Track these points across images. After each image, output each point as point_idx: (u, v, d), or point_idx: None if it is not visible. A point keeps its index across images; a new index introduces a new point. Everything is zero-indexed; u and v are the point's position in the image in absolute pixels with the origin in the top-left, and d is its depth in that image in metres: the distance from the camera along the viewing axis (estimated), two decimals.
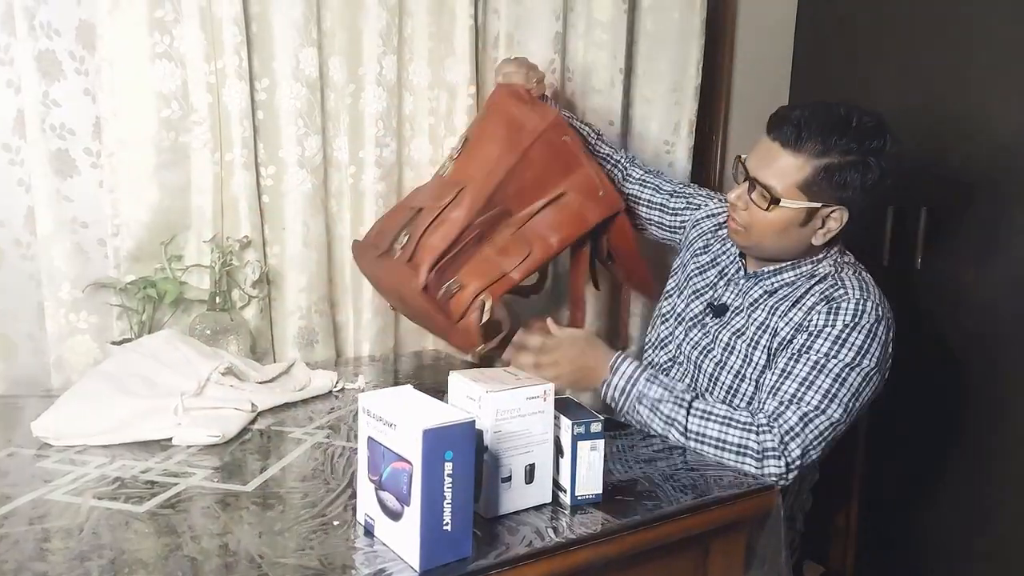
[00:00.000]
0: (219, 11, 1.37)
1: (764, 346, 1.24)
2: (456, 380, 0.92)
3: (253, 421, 1.19)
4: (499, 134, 1.38)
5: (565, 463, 0.92)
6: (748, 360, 1.25)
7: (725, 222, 1.36)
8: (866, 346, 1.15)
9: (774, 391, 1.16)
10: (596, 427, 0.92)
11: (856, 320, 1.16)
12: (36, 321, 1.34)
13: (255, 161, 1.46)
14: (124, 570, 0.76)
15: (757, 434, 1.10)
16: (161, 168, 1.38)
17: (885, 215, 1.84)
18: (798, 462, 1.10)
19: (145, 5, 1.32)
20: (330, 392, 1.35)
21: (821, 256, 1.27)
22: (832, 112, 1.17)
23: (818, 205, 1.18)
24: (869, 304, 1.18)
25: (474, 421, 0.78)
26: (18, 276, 1.32)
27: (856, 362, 1.14)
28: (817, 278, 1.25)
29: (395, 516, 0.79)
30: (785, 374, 1.16)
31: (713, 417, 1.13)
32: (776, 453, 1.09)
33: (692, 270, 1.41)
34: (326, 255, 1.56)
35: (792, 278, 1.27)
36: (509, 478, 0.89)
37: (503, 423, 0.87)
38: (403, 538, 0.78)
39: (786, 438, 1.10)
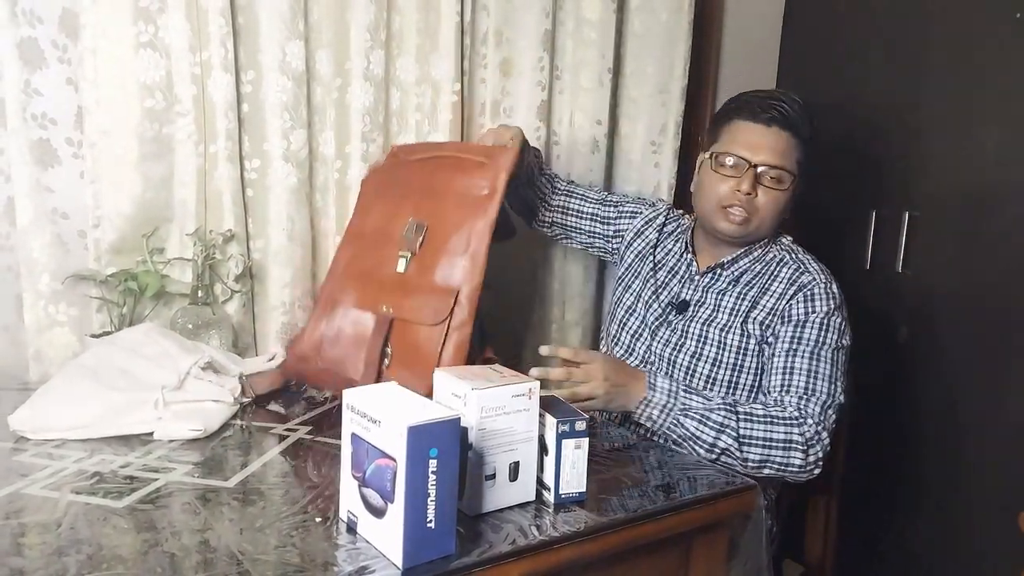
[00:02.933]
0: (205, 1, 1.35)
1: (736, 329, 1.31)
2: (441, 377, 0.91)
3: (235, 416, 1.18)
4: (460, 215, 1.22)
5: (549, 461, 0.92)
6: (723, 346, 1.31)
7: (666, 223, 1.50)
8: (843, 326, 1.27)
9: (787, 387, 1.23)
10: (581, 425, 0.92)
11: (831, 304, 1.27)
12: (14, 313, 1.32)
13: (240, 154, 1.44)
14: (102, 566, 0.75)
15: (798, 427, 1.18)
16: (144, 159, 1.36)
17: (868, 219, 1.85)
18: (828, 447, 1.19)
19: None
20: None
21: (767, 241, 1.37)
22: (794, 97, 1.31)
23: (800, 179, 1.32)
24: (834, 287, 1.29)
25: (459, 418, 0.78)
26: None
27: (839, 343, 1.25)
28: (774, 262, 1.35)
29: (378, 513, 0.78)
30: (790, 370, 1.24)
31: (756, 418, 1.18)
32: (815, 441, 1.18)
33: (646, 274, 1.46)
34: (310, 250, 1.55)
35: (749, 264, 1.35)
36: (493, 476, 0.88)
37: (488, 420, 0.87)
38: (386, 535, 0.78)
39: (819, 428, 1.18)
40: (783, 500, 1.49)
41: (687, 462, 1.11)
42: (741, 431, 1.16)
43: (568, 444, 0.92)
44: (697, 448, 1.17)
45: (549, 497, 0.93)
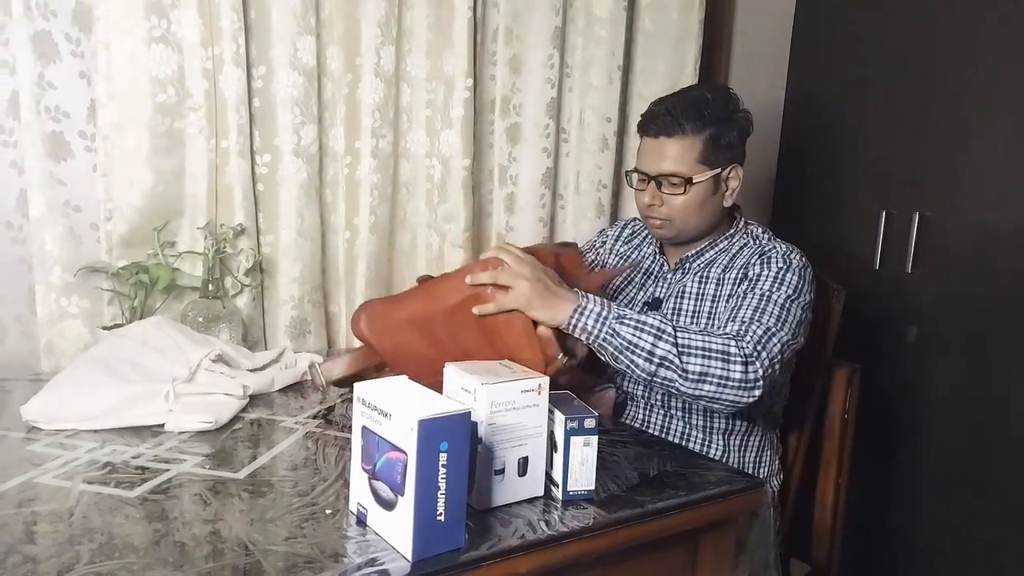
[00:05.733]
0: None
1: (705, 312, 1.34)
2: (451, 372, 0.92)
3: (244, 410, 1.19)
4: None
5: (558, 457, 0.92)
6: None
7: (634, 232, 1.56)
8: (800, 285, 1.28)
9: (732, 319, 1.23)
10: (590, 423, 0.92)
11: (788, 264, 1.29)
12: (26, 304, 1.33)
13: (250, 149, 1.45)
14: (114, 555, 0.75)
15: (736, 340, 1.15)
16: (155, 153, 1.37)
17: (878, 219, 1.85)
18: (769, 370, 1.16)
19: None
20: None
21: (732, 231, 1.40)
22: (690, 94, 1.36)
23: (719, 170, 1.33)
24: (795, 254, 1.32)
25: (469, 412, 0.78)
26: (9, 259, 1.32)
27: (794, 296, 1.26)
28: (739, 247, 1.38)
29: (388, 506, 0.79)
30: (738, 307, 1.25)
31: (692, 331, 1.15)
32: (754, 357, 1.15)
33: (621, 283, 1.51)
34: (320, 245, 1.56)
35: (715, 255, 1.39)
36: (502, 470, 0.89)
37: (498, 415, 0.87)
38: (396, 528, 0.78)
39: (758, 347, 1.16)
40: (788, 492, 1.49)
41: (696, 460, 1.11)
42: (679, 339, 1.13)
43: (577, 441, 0.92)
44: (636, 359, 1.12)
45: (558, 493, 0.93)
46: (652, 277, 1.47)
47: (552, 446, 0.93)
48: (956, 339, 1.73)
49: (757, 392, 1.14)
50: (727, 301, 1.32)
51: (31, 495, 0.87)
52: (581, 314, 1.12)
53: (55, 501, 0.86)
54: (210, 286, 1.38)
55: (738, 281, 1.32)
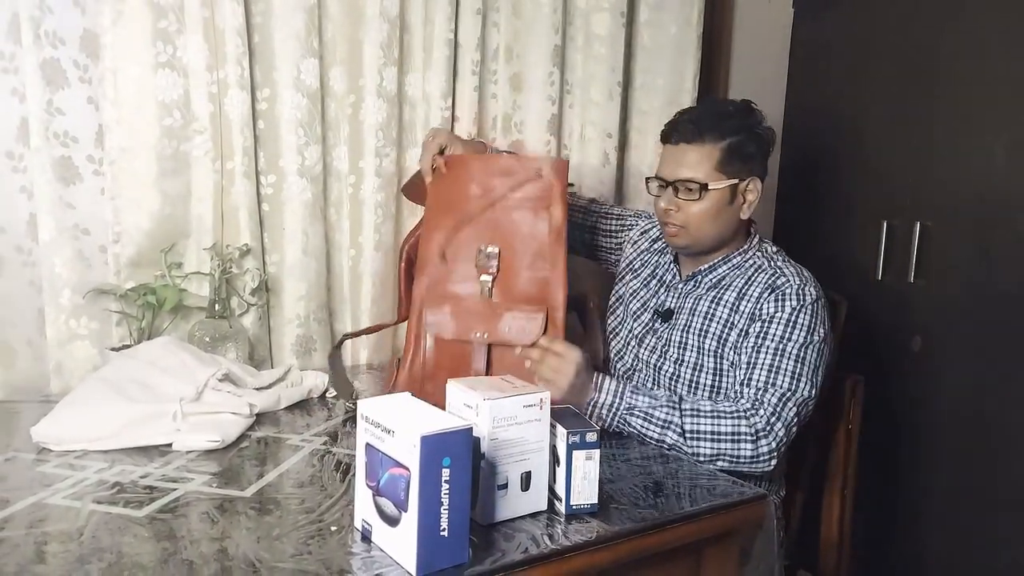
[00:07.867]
0: (222, 22, 1.38)
1: (714, 334, 1.33)
2: (454, 387, 0.93)
3: (251, 428, 1.20)
4: (527, 231, 1.30)
5: (561, 471, 0.93)
6: (702, 350, 1.34)
7: (659, 236, 1.51)
8: (813, 325, 1.28)
9: (747, 381, 1.25)
10: (592, 437, 0.93)
11: (800, 303, 1.28)
12: (36, 327, 1.35)
13: (255, 170, 1.47)
14: (123, 574, 0.77)
15: (747, 419, 1.19)
16: (162, 176, 1.39)
17: (879, 230, 1.86)
18: (784, 439, 1.21)
19: (149, 15, 1.34)
20: (326, 399, 1.36)
21: (746, 247, 1.39)
22: (712, 105, 1.41)
23: (736, 181, 1.33)
24: (809, 288, 1.31)
25: (471, 428, 0.79)
26: (19, 282, 1.33)
27: (808, 340, 1.26)
28: (752, 268, 1.37)
29: (392, 522, 0.80)
30: (753, 365, 1.26)
31: (702, 413, 1.20)
32: (765, 432, 1.19)
33: (636, 286, 1.51)
34: (325, 264, 1.57)
35: (727, 271, 1.38)
36: (505, 485, 0.90)
37: (500, 431, 0.88)
38: (400, 544, 0.79)
39: (772, 419, 1.20)
40: (794, 503, 1.49)
41: (699, 472, 1.11)
42: (686, 427, 1.18)
43: (579, 455, 0.93)
44: (648, 444, 1.20)
45: (561, 507, 0.93)
46: (664, 284, 1.46)
47: (555, 460, 0.94)
48: (960, 348, 1.73)
49: (772, 463, 1.19)
50: (739, 334, 1.31)
51: (41, 516, 0.89)
52: (594, 406, 1.20)
53: (65, 521, 0.87)
54: (216, 306, 1.40)
55: (750, 316, 1.31)
